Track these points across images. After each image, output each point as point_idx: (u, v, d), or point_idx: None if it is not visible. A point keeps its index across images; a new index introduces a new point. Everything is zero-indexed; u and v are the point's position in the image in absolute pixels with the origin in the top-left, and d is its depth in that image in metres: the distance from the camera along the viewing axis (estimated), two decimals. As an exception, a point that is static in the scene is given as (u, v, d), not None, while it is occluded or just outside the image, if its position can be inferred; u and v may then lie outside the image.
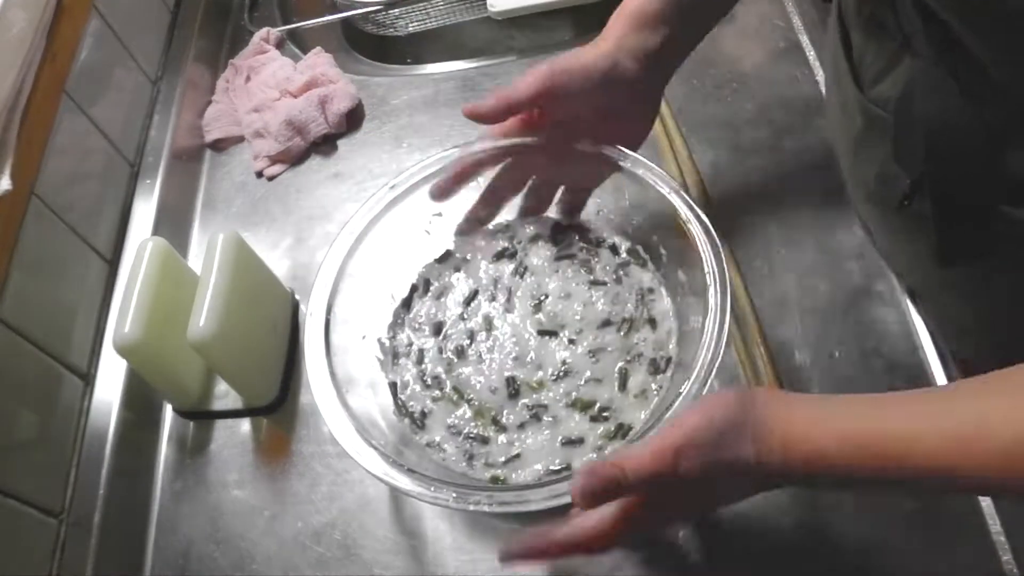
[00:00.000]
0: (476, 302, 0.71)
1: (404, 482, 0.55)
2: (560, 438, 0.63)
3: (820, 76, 0.83)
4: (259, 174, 0.90)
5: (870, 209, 0.66)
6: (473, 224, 0.73)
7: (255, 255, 0.73)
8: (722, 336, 0.56)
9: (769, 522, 0.60)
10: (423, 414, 0.66)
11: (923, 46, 0.51)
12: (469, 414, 0.65)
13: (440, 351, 0.69)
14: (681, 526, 0.61)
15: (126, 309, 0.65)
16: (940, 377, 0.64)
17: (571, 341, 0.67)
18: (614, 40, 0.62)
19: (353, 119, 0.91)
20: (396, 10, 0.99)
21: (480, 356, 0.68)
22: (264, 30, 1.01)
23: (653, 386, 0.64)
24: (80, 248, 0.77)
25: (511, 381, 0.66)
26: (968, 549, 0.57)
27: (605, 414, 0.63)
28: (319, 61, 0.95)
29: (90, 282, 0.78)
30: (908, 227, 0.61)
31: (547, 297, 0.70)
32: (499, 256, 0.74)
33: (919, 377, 0.64)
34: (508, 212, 0.75)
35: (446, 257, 0.74)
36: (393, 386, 0.68)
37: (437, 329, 0.70)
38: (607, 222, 0.73)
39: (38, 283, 0.70)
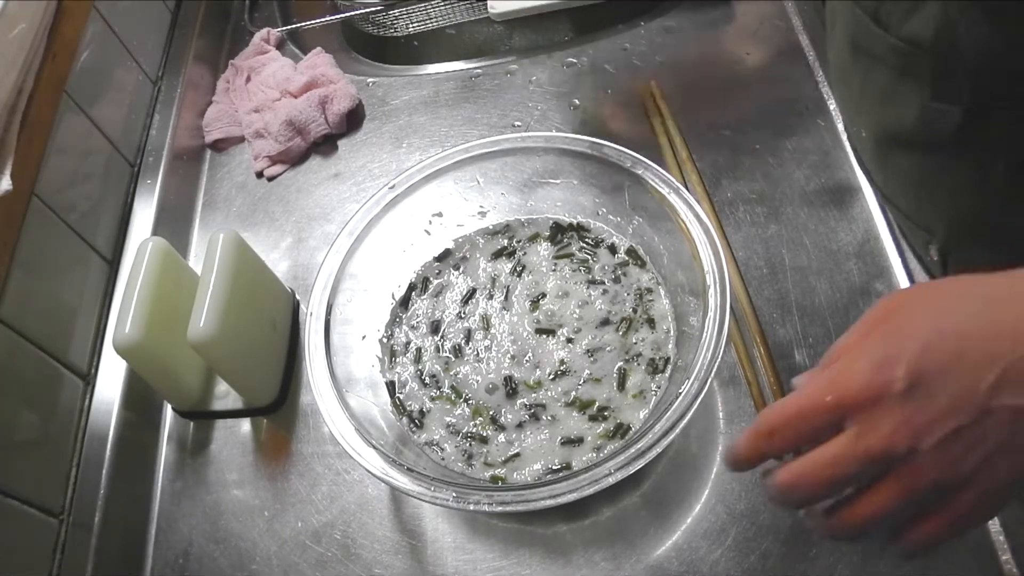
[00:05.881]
0: (474, 300, 0.71)
1: (404, 482, 0.55)
2: (559, 437, 0.63)
3: (820, 76, 0.83)
4: (259, 174, 0.90)
5: (899, 160, 0.63)
6: None
7: (255, 255, 0.73)
8: (722, 336, 0.56)
9: (768, 521, 0.60)
10: (421, 413, 0.67)
11: None
12: (467, 413, 0.66)
13: (438, 350, 0.69)
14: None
15: (126, 309, 0.65)
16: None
17: (569, 340, 0.67)
18: None
19: (353, 119, 0.92)
20: (396, 11, 0.99)
21: (478, 355, 0.68)
22: (264, 30, 1.01)
23: (652, 386, 0.64)
24: (80, 248, 0.77)
25: (509, 380, 0.66)
26: (968, 548, 0.57)
27: (604, 413, 0.63)
28: (319, 61, 0.95)
29: (90, 282, 0.78)
30: (951, 170, 0.58)
31: (544, 296, 0.70)
32: (497, 255, 0.74)
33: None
34: (508, 212, 0.75)
35: (445, 255, 0.74)
36: (391, 385, 0.69)
37: (435, 328, 0.71)
38: (607, 222, 0.73)
39: (38, 283, 0.70)
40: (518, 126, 0.87)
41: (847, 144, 0.77)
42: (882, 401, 0.35)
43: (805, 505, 0.40)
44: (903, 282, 0.68)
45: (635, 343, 0.66)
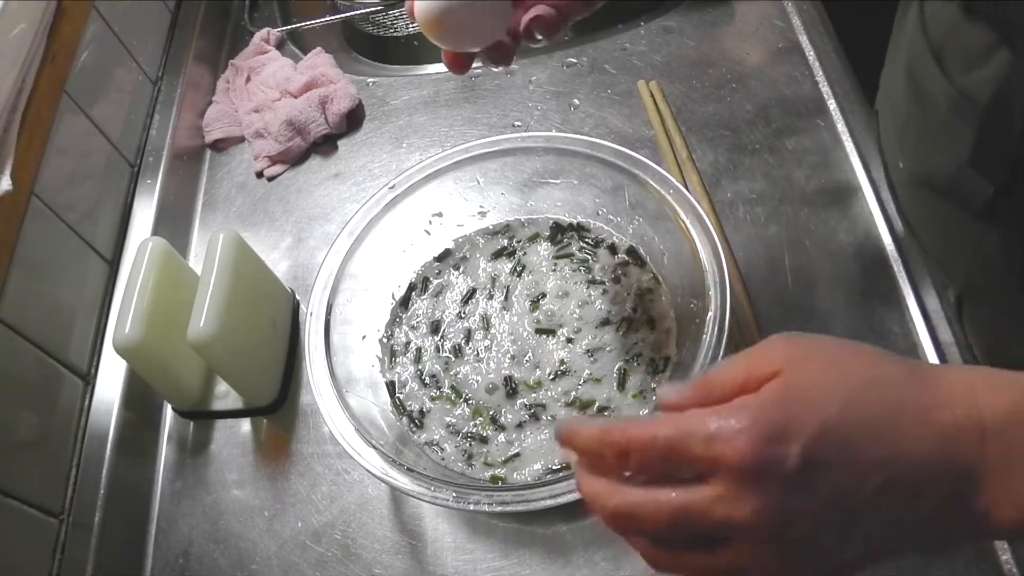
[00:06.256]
0: (474, 300, 0.71)
1: (404, 482, 0.55)
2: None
3: (820, 76, 0.83)
4: (259, 174, 0.90)
5: (932, 209, 0.61)
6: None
7: (255, 255, 0.73)
8: (722, 336, 0.56)
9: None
10: (421, 413, 0.67)
11: None
12: (467, 413, 0.66)
13: (438, 350, 0.69)
14: None
15: (126, 309, 0.65)
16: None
17: (569, 340, 0.67)
18: None
19: (353, 119, 0.92)
20: (396, 11, 0.99)
21: (478, 355, 0.68)
22: (264, 30, 1.01)
23: (652, 386, 0.64)
24: (80, 248, 0.77)
25: (509, 380, 0.66)
26: (968, 549, 0.57)
27: (604, 413, 0.63)
28: (319, 61, 0.95)
29: (90, 282, 0.78)
30: (976, 233, 0.56)
31: (544, 296, 0.70)
32: (497, 254, 0.74)
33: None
34: (508, 212, 0.75)
35: (445, 255, 0.75)
36: (391, 385, 0.69)
37: (435, 328, 0.71)
38: (607, 222, 0.73)
39: (38, 283, 0.70)
40: (518, 126, 0.87)
41: (847, 144, 0.77)
42: (764, 476, 0.32)
43: (628, 534, 0.36)
44: (903, 282, 0.68)
45: (635, 343, 0.66)
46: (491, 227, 0.75)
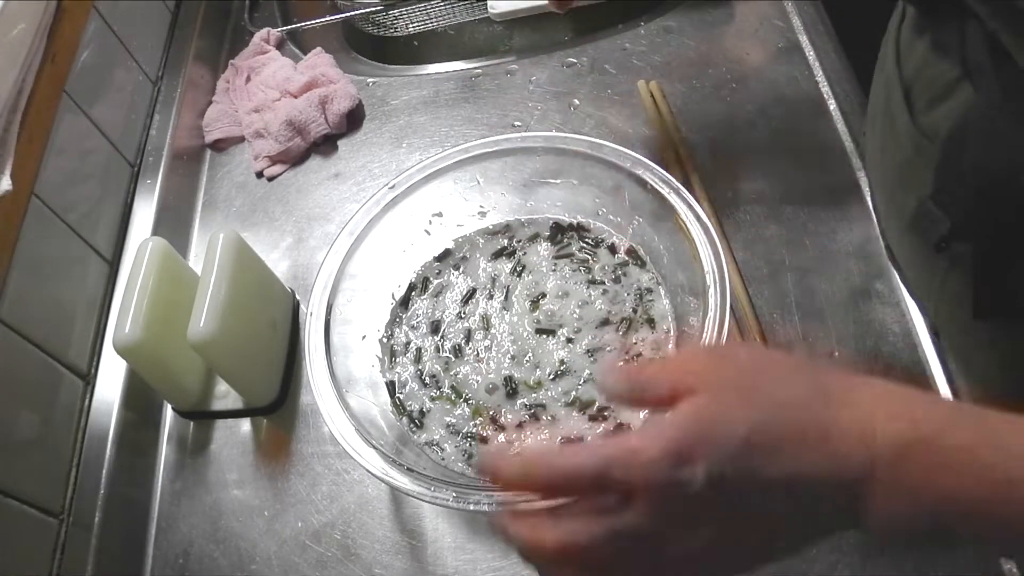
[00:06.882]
0: (474, 300, 0.71)
1: (404, 481, 0.55)
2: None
3: (820, 76, 0.83)
4: (259, 174, 0.90)
5: (903, 241, 0.62)
6: None
7: (255, 255, 0.73)
8: (722, 336, 0.56)
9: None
10: (421, 413, 0.67)
11: (988, 83, 0.47)
12: (467, 413, 0.66)
13: (438, 350, 0.69)
14: None
15: (126, 309, 0.65)
16: (940, 379, 0.64)
17: (569, 340, 0.67)
18: None
19: (353, 119, 0.92)
20: (396, 11, 0.99)
21: (478, 355, 0.68)
22: (264, 30, 1.01)
23: (652, 386, 0.64)
24: (80, 248, 0.77)
25: (509, 380, 0.66)
26: (968, 549, 0.57)
27: (604, 413, 0.63)
28: (319, 61, 0.96)
29: (90, 282, 0.78)
30: (942, 268, 0.57)
31: (544, 296, 0.70)
32: (497, 255, 0.74)
33: (919, 377, 0.64)
34: (508, 212, 0.75)
35: (445, 255, 0.75)
36: (391, 385, 0.69)
37: (435, 328, 0.71)
38: (607, 222, 0.73)
39: (38, 283, 0.70)
40: (518, 126, 0.87)
41: (847, 144, 0.77)
42: (673, 495, 0.35)
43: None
44: (903, 283, 0.68)
45: (635, 343, 0.66)
46: (491, 227, 0.75)
